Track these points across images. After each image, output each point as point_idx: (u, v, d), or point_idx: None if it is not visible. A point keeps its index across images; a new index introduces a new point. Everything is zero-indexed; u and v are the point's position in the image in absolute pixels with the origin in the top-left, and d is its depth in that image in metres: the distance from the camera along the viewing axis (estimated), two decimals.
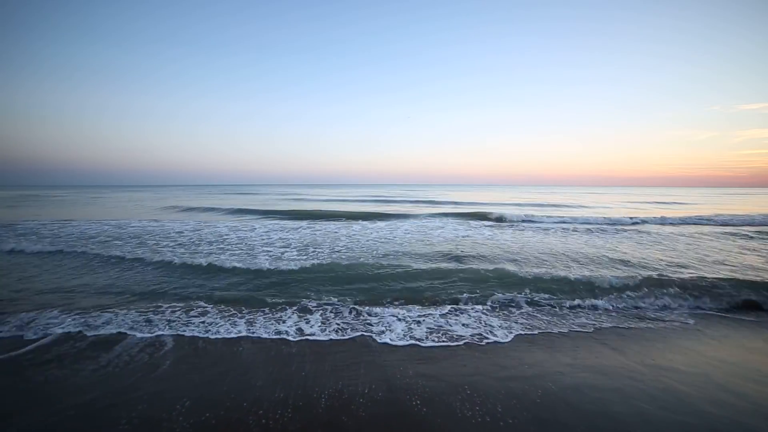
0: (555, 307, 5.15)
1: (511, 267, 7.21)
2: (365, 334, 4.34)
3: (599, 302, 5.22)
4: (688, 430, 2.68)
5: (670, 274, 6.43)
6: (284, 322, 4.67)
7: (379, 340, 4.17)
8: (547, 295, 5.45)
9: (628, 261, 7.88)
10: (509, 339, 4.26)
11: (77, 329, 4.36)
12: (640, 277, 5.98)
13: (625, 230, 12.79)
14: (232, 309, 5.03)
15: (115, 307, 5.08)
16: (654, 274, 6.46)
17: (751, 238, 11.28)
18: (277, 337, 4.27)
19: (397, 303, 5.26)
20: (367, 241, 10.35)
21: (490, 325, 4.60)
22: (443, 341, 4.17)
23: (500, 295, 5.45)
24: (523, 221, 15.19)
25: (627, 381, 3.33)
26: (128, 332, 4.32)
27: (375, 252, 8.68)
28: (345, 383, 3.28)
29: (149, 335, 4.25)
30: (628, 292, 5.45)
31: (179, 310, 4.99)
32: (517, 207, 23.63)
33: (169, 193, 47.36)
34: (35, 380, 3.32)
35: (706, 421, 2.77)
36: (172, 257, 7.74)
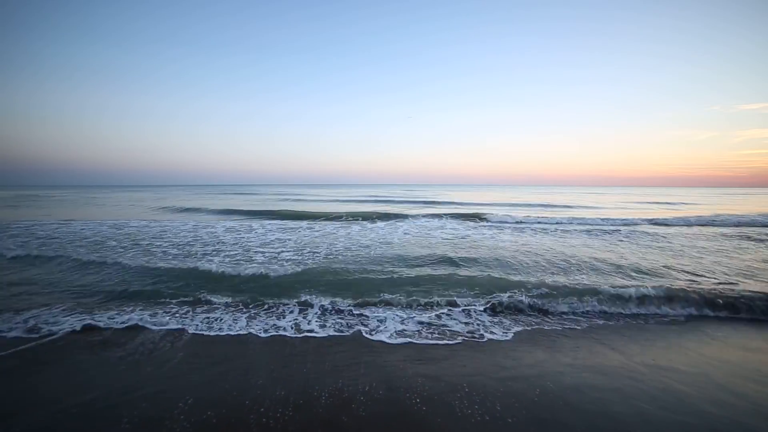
0: (554, 308, 5.14)
1: (509, 268, 7.22)
2: (364, 334, 4.35)
3: (599, 306, 5.19)
4: (688, 430, 2.68)
5: (673, 281, 6.42)
6: (283, 318, 4.72)
7: (373, 338, 4.18)
8: (545, 297, 5.44)
9: (627, 262, 7.89)
10: (509, 339, 4.26)
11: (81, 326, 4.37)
12: (635, 288, 5.67)
13: (620, 231, 12.78)
14: (233, 308, 5.06)
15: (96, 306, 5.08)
16: (655, 279, 6.46)
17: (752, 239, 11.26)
18: (276, 334, 4.31)
19: (396, 304, 5.26)
20: (366, 241, 10.36)
21: (489, 325, 4.60)
22: (441, 340, 4.17)
23: (500, 295, 5.45)
24: (524, 222, 15.18)
25: (627, 381, 3.33)
26: (141, 326, 4.33)
27: (373, 253, 8.68)
28: (345, 382, 3.28)
29: (153, 331, 4.26)
30: (626, 300, 5.34)
31: (179, 308, 5.02)
32: (517, 208, 23.66)
33: (168, 194, 47.36)
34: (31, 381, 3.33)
35: (706, 421, 2.78)
36: (172, 259, 7.73)
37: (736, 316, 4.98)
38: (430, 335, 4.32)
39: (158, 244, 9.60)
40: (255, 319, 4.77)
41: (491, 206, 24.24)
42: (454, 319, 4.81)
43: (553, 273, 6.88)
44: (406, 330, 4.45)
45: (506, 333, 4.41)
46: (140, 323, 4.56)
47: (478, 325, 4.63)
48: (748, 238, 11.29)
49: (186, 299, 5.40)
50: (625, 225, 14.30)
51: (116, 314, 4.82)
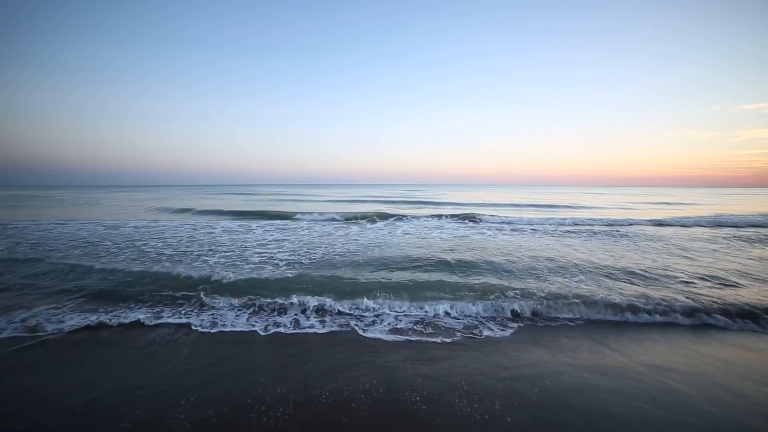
0: (551, 314, 5.10)
1: (509, 268, 7.22)
2: (359, 331, 4.36)
3: (595, 315, 5.09)
4: (688, 430, 2.69)
5: (673, 283, 6.42)
6: (282, 316, 4.81)
7: (368, 335, 4.19)
8: (544, 300, 5.43)
9: (627, 263, 7.89)
10: (509, 339, 4.27)
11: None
12: (636, 297, 5.44)
13: (620, 232, 12.78)
14: (232, 307, 5.07)
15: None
16: (655, 281, 6.45)
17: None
18: (275, 331, 4.35)
19: (395, 303, 5.26)
20: (365, 241, 10.36)
21: (488, 325, 4.61)
22: (441, 339, 4.18)
23: (499, 296, 5.45)
24: (523, 223, 15.17)
25: (627, 381, 3.33)
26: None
27: (371, 253, 8.67)
28: (345, 381, 3.28)
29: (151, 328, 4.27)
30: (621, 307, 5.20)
31: (178, 307, 5.03)
32: (516, 208, 23.67)
33: (168, 194, 47.34)
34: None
35: (706, 421, 2.78)
36: (166, 260, 7.71)
37: (735, 323, 4.85)
38: (429, 335, 4.33)
39: (153, 244, 9.60)
40: (255, 316, 4.85)
41: (491, 207, 24.24)
42: (454, 318, 4.82)
43: (551, 275, 6.87)
44: (403, 329, 4.47)
45: (506, 333, 4.42)
46: (141, 321, 4.58)
47: (477, 325, 4.63)
48: (748, 238, 11.31)
49: (183, 299, 5.40)
50: (624, 225, 14.29)
51: (120, 312, 4.85)
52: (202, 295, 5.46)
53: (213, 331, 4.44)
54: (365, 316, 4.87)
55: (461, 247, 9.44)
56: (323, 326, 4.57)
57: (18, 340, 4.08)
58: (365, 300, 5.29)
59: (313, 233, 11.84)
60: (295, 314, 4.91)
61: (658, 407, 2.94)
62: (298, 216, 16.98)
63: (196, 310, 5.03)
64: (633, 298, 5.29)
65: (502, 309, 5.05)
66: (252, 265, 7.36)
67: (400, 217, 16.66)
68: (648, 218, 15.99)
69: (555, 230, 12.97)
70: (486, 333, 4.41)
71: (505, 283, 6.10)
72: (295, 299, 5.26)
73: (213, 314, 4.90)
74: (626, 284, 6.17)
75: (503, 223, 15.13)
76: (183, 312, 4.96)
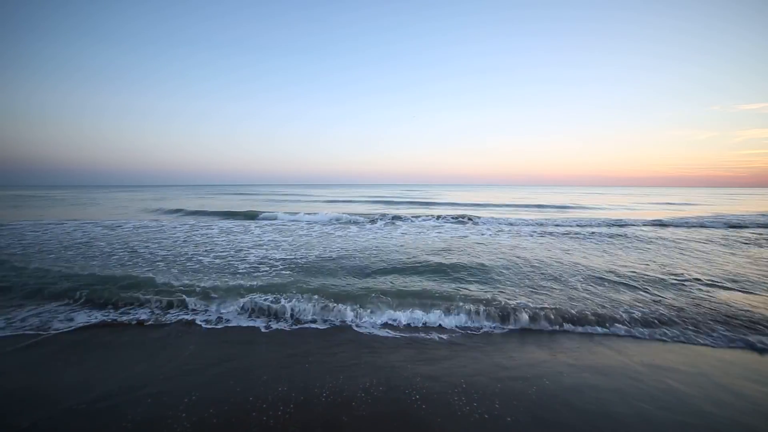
0: (547, 327, 5.03)
1: (508, 269, 7.22)
2: (355, 327, 4.36)
3: (592, 329, 5.16)
4: (688, 430, 2.69)
5: (673, 284, 6.41)
6: (280, 315, 4.87)
7: (364, 332, 4.19)
8: (544, 300, 5.44)
9: (627, 264, 7.89)
10: (508, 339, 4.27)
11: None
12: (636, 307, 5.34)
13: (620, 232, 12.77)
14: (232, 308, 5.08)
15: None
16: (655, 282, 6.43)
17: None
18: (276, 328, 4.37)
19: (394, 304, 5.25)
20: (363, 241, 10.36)
21: (488, 325, 4.61)
22: (440, 338, 4.19)
23: (499, 297, 5.45)
24: (523, 223, 15.15)
25: (627, 381, 3.33)
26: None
27: (369, 253, 8.66)
28: (345, 381, 3.28)
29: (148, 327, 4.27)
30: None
31: (178, 306, 5.04)
32: (516, 209, 23.65)
33: (169, 193, 47.31)
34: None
35: (706, 421, 2.78)
36: (163, 258, 7.71)
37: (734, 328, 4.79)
38: (428, 335, 4.33)
39: (151, 246, 9.59)
40: (255, 313, 4.94)
41: (491, 207, 24.24)
42: (453, 317, 4.82)
43: (549, 277, 6.87)
44: (402, 329, 4.48)
45: (505, 333, 4.42)
46: (144, 321, 4.59)
47: (477, 325, 4.63)
48: (748, 239, 11.31)
49: (179, 300, 5.40)
50: (624, 226, 14.27)
51: (120, 312, 4.86)
52: (202, 296, 5.45)
53: (218, 327, 4.52)
54: (363, 317, 4.86)
55: (461, 248, 9.44)
56: (320, 320, 4.71)
57: (20, 339, 4.08)
58: (361, 299, 5.29)
59: (311, 233, 11.85)
60: (293, 316, 4.92)
61: (658, 407, 2.94)
62: (298, 216, 16.96)
63: (199, 310, 5.04)
64: (635, 310, 5.29)
65: (502, 310, 5.05)
66: (248, 265, 7.36)
67: (400, 217, 16.64)
68: (649, 219, 15.96)
69: (555, 231, 12.96)
70: (486, 333, 4.41)
71: (505, 284, 6.10)
72: (290, 302, 5.25)
73: (214, 314, 4.91)
74: (628, 287, 6.17)
75: (502, 223, 15.11)
76: (184, 312, 4.97)
